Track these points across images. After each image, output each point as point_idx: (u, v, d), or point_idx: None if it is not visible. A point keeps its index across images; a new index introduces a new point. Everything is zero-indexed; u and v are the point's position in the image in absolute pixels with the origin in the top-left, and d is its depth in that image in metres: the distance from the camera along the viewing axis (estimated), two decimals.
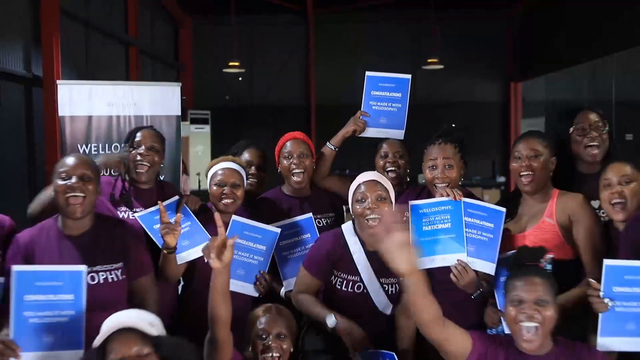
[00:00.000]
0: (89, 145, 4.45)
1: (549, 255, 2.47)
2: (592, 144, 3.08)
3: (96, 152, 4.45)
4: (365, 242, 2.81)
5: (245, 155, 3.52)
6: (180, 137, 4.62)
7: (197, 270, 2.95)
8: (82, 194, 2.52)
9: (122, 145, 3.66)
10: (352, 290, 2.80)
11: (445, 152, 2.99)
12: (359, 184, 2.79)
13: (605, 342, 2.40)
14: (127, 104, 4.47)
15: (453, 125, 3.76)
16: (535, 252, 2.42)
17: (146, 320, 2.06)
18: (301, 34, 14.74)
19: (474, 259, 2.69)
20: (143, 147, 3.18)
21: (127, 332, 1.98)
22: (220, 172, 3.04)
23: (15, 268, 2.40)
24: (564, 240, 2.74)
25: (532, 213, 2.85)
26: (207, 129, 13.48)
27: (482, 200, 2.97)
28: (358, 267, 2.77)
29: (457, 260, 2.66)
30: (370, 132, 3.55)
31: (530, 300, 2.20)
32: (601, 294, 2.37)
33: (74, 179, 2.54)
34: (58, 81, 4.81)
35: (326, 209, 3.42)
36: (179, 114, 4.61)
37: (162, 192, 3.21)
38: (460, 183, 3.11)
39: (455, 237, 2.70)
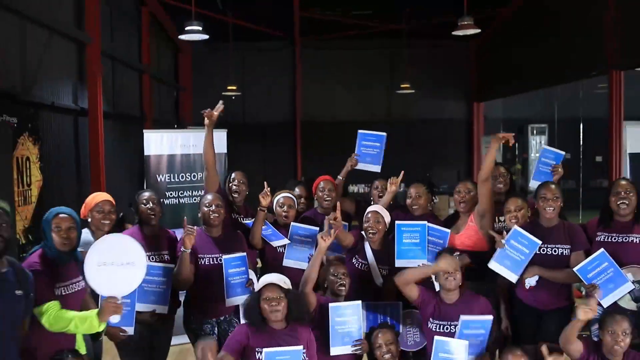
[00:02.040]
0: (164, 175, 6.16)
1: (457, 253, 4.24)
2: (499, 185, 4.87)
3: (169, 180, 6.16)
4: (370, 243, 4.55)
5: (297, 191, 5.18)
6: (226, 168, 6.34)
7: None
8: (217, 215, 4.21)
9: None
10: (362, 269, 4.53)
11: (417, 189, 4.78)
12: (368, 212, 4.55)
13: (493, 265, 4.12)
14: (189, 145, 6.21)
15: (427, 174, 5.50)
16: (452, 250, 4.20)
17: (282, 280, 3.70)
18: (288, 59, 16.44)
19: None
20: (236, 181, 4.87)
21: (272, 285, 3.62)
22: (281, 199, 4.79)
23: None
24: (482, 236, 4.49)
25: (463, 223, 4.64)
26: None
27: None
28: (367, 256, 4.52)
29: (420, 264, 4.36)
30: (361, 166, 5.27)
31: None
32: (503, 240, 4.06)
33: (213, 207, 4.22)
34: (144, 130, 6.52)
35: (344, 219, 5.11)
36: (226, 151, 6.36)
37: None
38: (430, 207, 4.90)
39: (421, 248, 4.44)
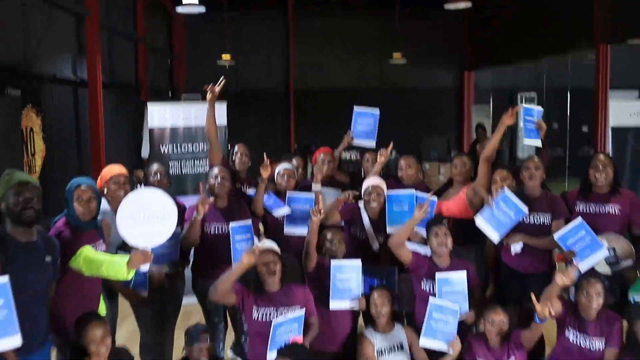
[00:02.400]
0: (167, 146, 6.42)
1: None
2: None
3: (172, 152, 6.42)
4: (368, 213, 4.86)
5: (294, 162, 5.41)
6: (227, 140, 6.62)
7: None
8: (223, 186, 4.49)
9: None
10: (360, 237, 4.76)
11: (407, 161, 5.07)
12: (369, 186, 4.78)
13: (479, 220, 4.40)
14: (191, 117, 6.46)
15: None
16: (441, 218, 4.53)
17: (273, 246, 3.99)
18: (282, 28, 16.57)
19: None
20: (239, 153, 5.18)
21: (266, 251, 3.90)
22: (282, 170, 5.04)
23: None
24: (468, 207, 4.81)
25: (454, 192, 4.94)
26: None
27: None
28: (365, 225, 4.83)
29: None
30: (356, 142, 5.55)
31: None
32: (493, 202, 4.38)
33: (219, 179, 4.51)
34: (148, 103, 6.74)
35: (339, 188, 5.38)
36: (226, 124, 6.61)
37: None
38: (420, 176, 5.20)
39: (410, 215, 4.70)
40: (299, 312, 3.86)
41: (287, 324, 3.76)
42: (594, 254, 4.20)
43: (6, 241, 3.00)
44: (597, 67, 9.81)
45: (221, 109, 6.35)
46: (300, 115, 16.53)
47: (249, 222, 4.48)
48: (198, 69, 15.76)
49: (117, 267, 3.32)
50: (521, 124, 5.05)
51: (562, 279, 3.85)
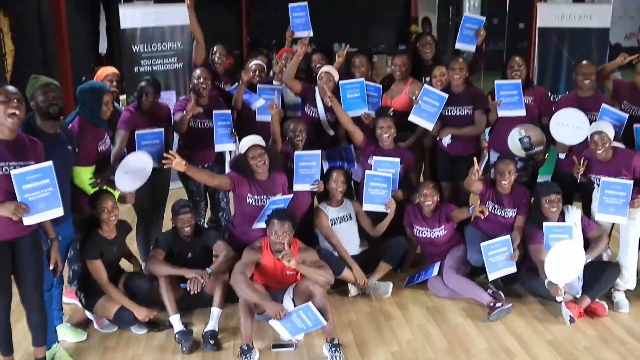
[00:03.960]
0: (138, 45, 6.96)
1: (391, 109, 5.40)
2: (426, 52, 5.83)
3: (143, 50, 6.99)
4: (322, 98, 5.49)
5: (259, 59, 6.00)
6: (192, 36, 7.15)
7: None
8: (204, 86, 5.14)
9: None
10: (314, 116, 5.46)
11: (360, 59, 5.73)
12: (321, 72, 5.40)
13: (412, 117, 5.19)
14: (160, 18, 7.01)
15: None
16: (387, 108, 5.36)
17: (260, 140, 4.72)
18: None
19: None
20: (218, 53, 5.75)
21: (255, 145, 4.66)
22: (253, 66, 5.64)
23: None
24: (409, 103, 5.58)
25: (398, 89, 5.71)
26: (150, 4, 15.33)
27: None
28: (317, 105, 5.45)
29: (363, 112, 5.46)
30: (297, 34, 5.88)
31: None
32: (418, 98, 5.16)
33: (201, 79, 5.11)
34: (120, 5, 7.14)
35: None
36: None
37: None
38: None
39: (362, 99, 5.48)
40: (288, 196, 4.72)
41: (279, 202, 4.62)
42: (513, 111, 5.12)
43: (39, 133, 3.68)
44: None
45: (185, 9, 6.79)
46: (251, 8, 16.79)
47: (228, 111, 5.21)
48: None
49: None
50: (461, 29, 5.64)
51: (475, 178, 4.77)
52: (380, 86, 5.58)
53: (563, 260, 4.40)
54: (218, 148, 5.21)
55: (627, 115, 4.90)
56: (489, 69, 5.83)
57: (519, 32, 13.15)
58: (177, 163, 4.46)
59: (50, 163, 3.41)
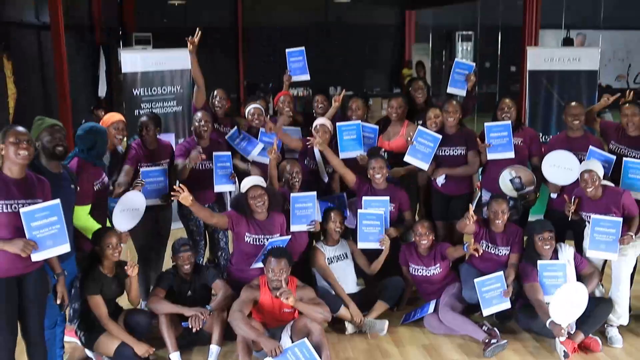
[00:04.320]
0: (139, 89, 7.13)
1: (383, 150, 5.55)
2: (418, 96, 6.04)
3: (144, 94, 7.15)
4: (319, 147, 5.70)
5: (258, 103, 6.17)
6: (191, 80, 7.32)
7: None
8: (205, 129, 5.27)
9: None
10: (311, 167, 5.61)
11: (356, 103, 5.90)
12: (316, 124, 5.60)
13: (407, 158, 5.31)
14: (160, 62, 7.19)
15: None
16: (379, 149, 5.51)
17: (260, 180, 4.87)
18: None
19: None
20: (218, 97, 5.87)
21: (255, 186, 4.80)
22: (252, 110, 5.80)
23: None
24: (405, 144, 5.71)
25: (394, 131, 5.86)
26: (149, 49, 15.60)
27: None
28: (315, 157, 5.64)
29: (359, 154, 5.61)
30: (295, 79, 6.20)
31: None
32: (411, 140, 5.34)
33: (202, 122, 5.24)
34: (121, 51, 7.33)
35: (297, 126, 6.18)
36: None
37: None
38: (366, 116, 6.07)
39: (357, 142, 5.63)
40: (286, 237, 4.83)
41: (278, 243, 4.71)
42: (503, 153, 5.26)
43: (44, 172, 3.80)
44: (524, 14, 10.66)
45: (185, 54, 6.96)
46: (248, 52, 17.12)
47: (228, 153, 5.34)
48: (147, 8, 16.12)
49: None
50: (452, 74, 5.87)
51: (467, 218, 4.86)
52: (377, 127, 5.72)
53: (568, 302, 4.48)
54: (217, 189, 5.32)
55: (614, 157, 5.03)
56: (482, 111, 6.00)
57: (511, 75, 13.42)
58: (184, 197, 4.58)
59: (57, 201, 3.52)
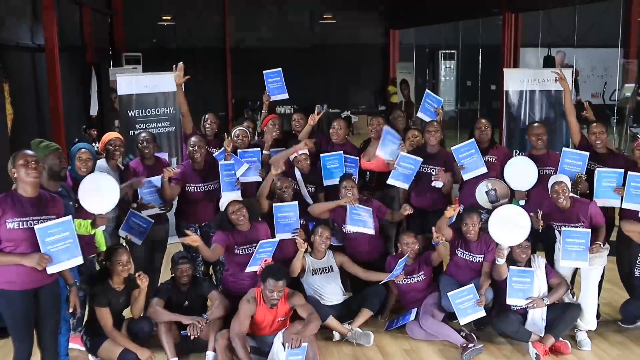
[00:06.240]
0: (135, 110, 7.47)
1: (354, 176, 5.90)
2: (399, 119, 6.47)
3: (138, 115, 7.48)
4: (300, 170, 5.98)
5: (245, 124, 6.46)
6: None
7: None
8: (199, 154, 5.58)
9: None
10: (294, 187, 5.87)
11: (338, 123, 6.25)
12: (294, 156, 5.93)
13: (390, 181, 5.73)
14: (152, 85, 7.53)
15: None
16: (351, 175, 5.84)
17: (237, 195, 5.29)
18: None
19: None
20: (209, 121, 6.20)
21: (233, 201, 5.17)
22: (237, 132, 6.11)
23: None
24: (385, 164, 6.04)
25: (374, 151, 6.18)
26: (139, 68, 15.84)
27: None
28: (297, 178, 5.93)
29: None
30: (273, 98, 6.56)
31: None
32: (395, 164, 5.68)
33: (196, 147, 5.51)
34: (117, 75, 7.67)
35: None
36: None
37: None
38: (348, 136, 6.41)
39: (340, 170, 5.91)
40: (275, 239, 5.19)
41: (267, 245, 5.07)
42: (475, 171, 5.67)
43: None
44: (503, 35, 11.13)
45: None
46: (236, 72, 17.45)
47: (232, 162, 5.68)
48: (137, 28, 16.47)
49: (85, 226, 4.48)
50: (423, 102, 6.46)
51: (449, 212, 5.20)
52: (357, 158, 6.09)
53: (508, 222, 4.96)
54: (224, 196, 5.56)
55: (588, 154, 5.41)
56: (465, 127, 6.39)
57: (491, 93, 13.85)
58: (194, 240, 4.94)
59: (69, 217, 3.84)
